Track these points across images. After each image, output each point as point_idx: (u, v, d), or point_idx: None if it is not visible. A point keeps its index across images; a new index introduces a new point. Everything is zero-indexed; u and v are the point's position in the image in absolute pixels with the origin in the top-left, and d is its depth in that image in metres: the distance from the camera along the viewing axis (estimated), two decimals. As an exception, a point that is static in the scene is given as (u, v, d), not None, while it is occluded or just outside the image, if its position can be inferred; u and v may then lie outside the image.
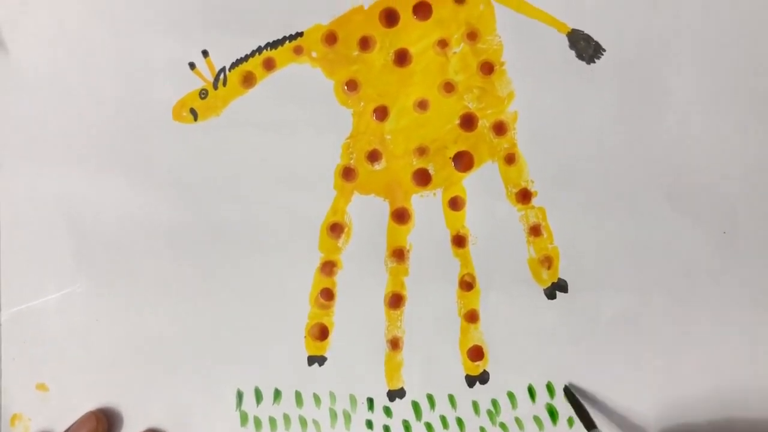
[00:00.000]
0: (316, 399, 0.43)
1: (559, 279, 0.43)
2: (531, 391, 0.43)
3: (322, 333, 0.43)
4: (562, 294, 0.43)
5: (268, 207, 0.43)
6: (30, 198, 0.43)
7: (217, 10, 0.42)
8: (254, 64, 0.43)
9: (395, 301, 0.43)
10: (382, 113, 0.43)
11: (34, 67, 0.43)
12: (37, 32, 0.43)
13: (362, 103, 0.43)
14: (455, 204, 0.43)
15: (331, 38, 0.43)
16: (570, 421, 0.43)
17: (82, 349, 0.43)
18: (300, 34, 0.43)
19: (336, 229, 0.43)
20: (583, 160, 0.42)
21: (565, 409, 0.43)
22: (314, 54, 0.43)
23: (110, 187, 0.43)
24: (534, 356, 0.43)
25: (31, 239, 0.43)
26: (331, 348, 0.43)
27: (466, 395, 0.43)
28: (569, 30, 0.42)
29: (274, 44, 0.42)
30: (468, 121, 0.43)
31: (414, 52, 0.43)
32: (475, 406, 0.43)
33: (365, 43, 0.43)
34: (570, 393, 0.42)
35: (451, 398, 0.43)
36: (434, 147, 0.43)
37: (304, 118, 0.43)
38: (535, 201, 0.43)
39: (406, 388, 0.43)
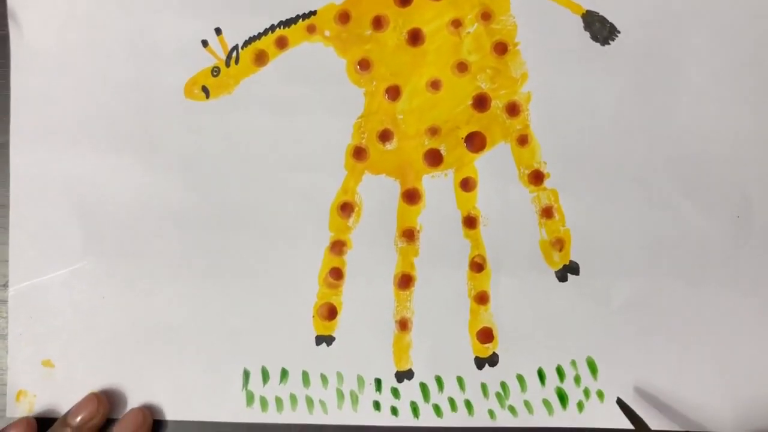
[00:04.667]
0: (324, 379, 0.43)
1: (571, 261, 0.42)
2: (541, 375, 0.42)
3: (330, 313, 0.43)
4: (574, 277, 0.42)
5: (278, 186, 0.43)
6: (40, 176, 0.43)
7: (230, -13, 0.42)
8: (267, 43, 0.43)
9: (405, 281, 0.43)
10: (394, 93, 0.43)
11: (46, 47, 0.43)
12: (50, 13, 0.43)
13: (374, 83, 0.43)
14: (467, 185, 0.43)
15: (344, 17, 0.43)
16: (580, 406, 0.42)
17: (88, 327, 0.43)
18: (313, 13, 0.43)
19: (346, 208, 0.43)
20: (597, 142, 0.42)
21: (574, 392, 0.42)
22: (327, 33, 0.43)
23: (120, 167, 0.43)
24: (544, 339, 0.42)
25: (40, 217, 0.43)
26: (339, 328, 0.43)
27: (474, 377, 0.43)
28: (584, 11, 0.42)
29: (287, 22, 0.43)
30: (481, 102, 0.43)
31: (427, 31, 0.43)
32: (484, 388, 0.43)
33: (378, 23, 0.43)
34: (624, 405, 0.41)
35: (460, 380, 0.43)
36: (446, 127, 0.43)
37: (315, 97, 0.43)
38: (547, 183, 0.42)
39: (414, 370, 0.43)
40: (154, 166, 0.43)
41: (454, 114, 0.43)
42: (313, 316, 0.43)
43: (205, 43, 0.43)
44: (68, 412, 0.41)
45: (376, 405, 0.43)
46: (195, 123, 0.43)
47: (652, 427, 0.39)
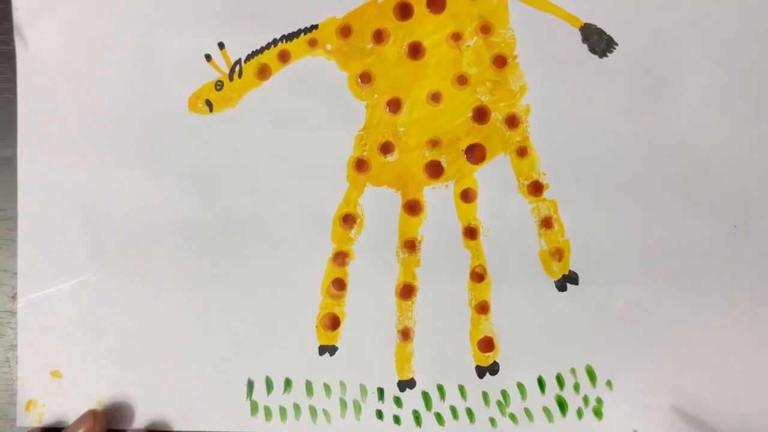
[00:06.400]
0: (327, 389, 0.43)
1: (570, 271, 0.43)
2: (541, 383, 0.43)
3: (333, 323, 0.43)
4: (573, 286, 0.43)
5: (282, 198, 0.43)
6: (47, 189, 0.44)
7: (233, 3, 0.43)
8: (269, 57, 0.43)
9: (406, 291, 0.43)
10: (395, 106, 0.43)
11: (52, 62, 0.44)
12: (56, 29, 0.44)
13: (376, 96, 0.43)
14: (467, 196, 0.43)
15: (345, 31, 0.43)
16: (579, 413, 0.43)
17: (95, 338, 0.44)
18: (315, 27, 0.43)
19: (348, 220, 0.43)
20: (595, 153, 0.43)
21: (574, 400, 0.43)
22: (329, 46, 0.43)
23: (125, 179, 0.44)
24: (544, 348, 0.43)
25: (48, 229, 0.44)
26: (342, 338, 0.43)
27: (476, 386, 0.43)
28: (582, 24, 0.42)
29: (289, 36, 0.43)
30: (480, 114, 0.43)
31: (427, 45, 0.43)
32: (485, 396, 0.43)
33: (379, 36, 0.43)
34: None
35: (461, 389, 0.43)
36: (447, 139, 0.43)
37: (317, 110, 0.43)
38: (546, 194, 0.43)
39: (416, 379, 0.43)
40: (159, 178, 0.43)
41: (454, 126, 0.43)
42: (316, 327, 0.43)
43: (208, 57, 0.43)
44: (65, 429, 0.42)
45: (379, 414, 0.43)
46: (199, 136, 0.43)
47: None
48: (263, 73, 0.43)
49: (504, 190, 0.43)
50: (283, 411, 0.43)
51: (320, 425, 0.43)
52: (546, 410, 0.43)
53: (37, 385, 0.44)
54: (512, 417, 0.43)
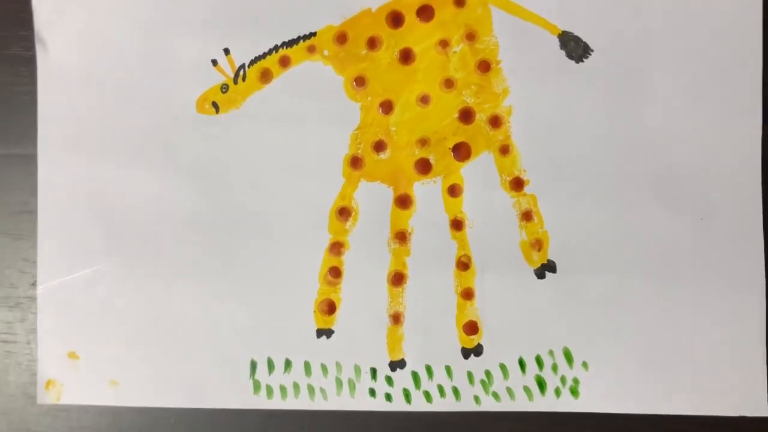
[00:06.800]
0: (324, 369, 0.46)
1: (549, 260, 0.45)
2: (521, 364, 0.45)
3: (329, 308, 0.46)
4: (551, 274, 0.45)
5: (282, 192, 0.46)
6: (65, 184, 0.46)
7: (237, 12, 0.45)
8: (271, 62, 0.46)
9: (397, 279, 0.46)
10: (387, 107, 0.46)
11: (70, 66, 0.46)
12: (73, 35, 0.46)
13: (369, 98, 0.46)
14: (454, 191, 0.46)
15: (341, 38, 0.46)
16: (557, 392, 0.45)
17: (109, 322, 0.46)
18: (313, 34, 0.46)
19: (344, 213, 0.46)
20: (572, 151, 0.45)
21: (552, 380, 0.45)
22: (326, 52, 0.46)
23: (138, 175, 0.46)
24: (525, 331, 0.45)
25: (66, 222, 0.46)
26: (337, 322, 0.46)
27: (461, 366, 0.45)
28: (560, 32, 0.45)
29: (289, 43, 0.46)
30: (466, 115, 0.46)
31: (417, 51, 0.46)
32: (470, 376, 0.46)
33: (373, 43, 0.46)
34: None
35: (448, 369, 0.46)
36: (435, 138, 0.46)
37: (315, 111, 0.46)
38: (527, 189, 0.45)
39: (406, 360, 0.46)
40: (168, 175, 0.46)
41: (441, 126, 0.46)
42: (314, 311, 0.46)
43: (214, 62, 0.46)
44: None
45: (372, 392, 0.46)
46: (206, 135, 0.46)
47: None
48: (265, 76, 0.46)
49: (488, 185, 0.46)
50: (283, 389, 0.46)
51: (318, 402, 0.45)
52: (526, 389, 0.45)
53: (56, 366, 0.46)
54: (495, 395, 0.45)
